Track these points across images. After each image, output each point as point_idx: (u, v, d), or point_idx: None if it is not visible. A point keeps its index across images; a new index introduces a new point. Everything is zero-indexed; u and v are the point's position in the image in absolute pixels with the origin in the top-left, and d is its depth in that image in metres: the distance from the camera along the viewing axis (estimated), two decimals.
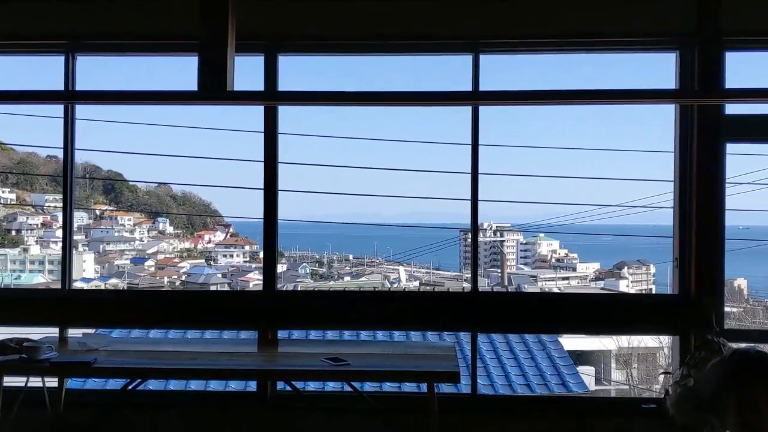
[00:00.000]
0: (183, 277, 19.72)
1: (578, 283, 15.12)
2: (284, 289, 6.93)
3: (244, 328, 4.21)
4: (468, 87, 3.95)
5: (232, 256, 21.70)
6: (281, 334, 3.99)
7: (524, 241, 16.52)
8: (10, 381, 3.48)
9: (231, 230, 22.63)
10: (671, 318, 3.82)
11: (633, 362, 11.90)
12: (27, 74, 5.94)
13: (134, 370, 3.40)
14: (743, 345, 2.86)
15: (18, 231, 16.86)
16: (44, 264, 18.97)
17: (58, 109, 4.02)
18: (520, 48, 4.08)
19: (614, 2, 3.88)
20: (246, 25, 3.79)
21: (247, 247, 22.34)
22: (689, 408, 3.45)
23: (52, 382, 3.75)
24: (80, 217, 20.36)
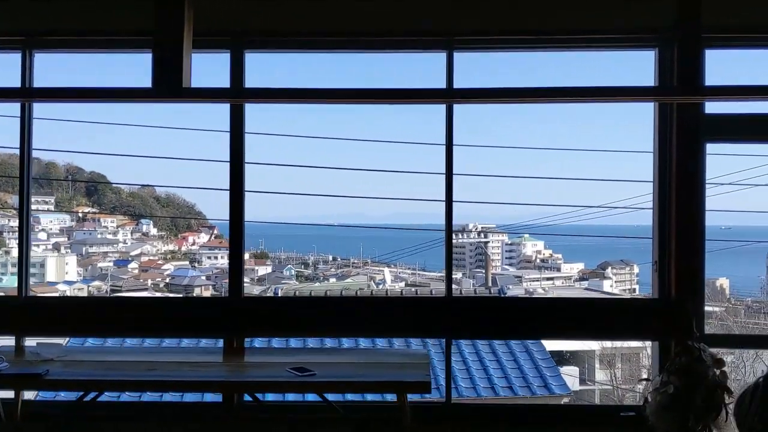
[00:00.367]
0: (167, 280, 19.51)
1: (563, 283, 15.11)
2: (251, 294, 6.77)
3: (209, 337, 4.05)
4: (442, 86, 3.83)
5: (216, 257, 21.49)
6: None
7: (509, 242, 16.47)
8: None
9: (215, 232, 22.41)
10: (650, 323, 3.72)
11: (617, 362, 11.90)
12: None
13: (89, 382, 3.22)
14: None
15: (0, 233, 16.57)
16: None
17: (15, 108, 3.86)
18: (495, 45, 3.97)
19: None
20: (211, 20, 3.66)
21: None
22: (670, 417, 3.37)
23: (8, 393, 3.59)
24: (62, 219, 20.08)
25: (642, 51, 3.98)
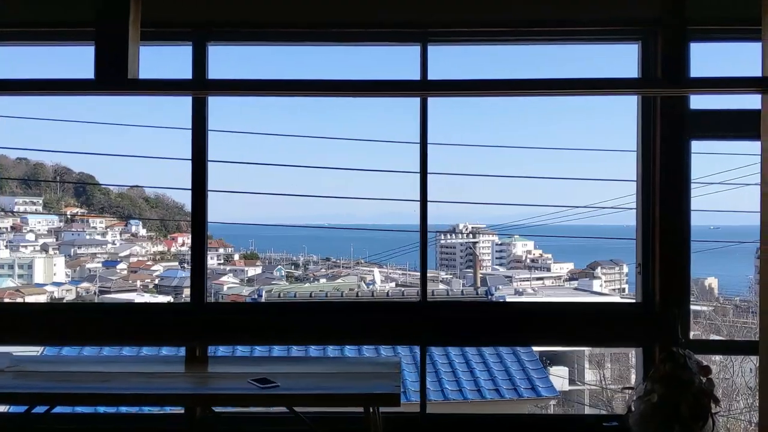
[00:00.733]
0: (156, 281, 19.30)
1: (552, 283, 15.06)
2: (216, 300, 6.58)
3: (170, 345, 3.85)
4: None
5: None
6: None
7: (499, 242, 16.40)
8: None
9: None
10: (633, 329, 3.55)
11: (606, 363, 11.85)
12: None
13: (37, 396, 3.02)
14: None
15: None
16: (14, 268, 18.41)
17: None
18: (472, 38, 3.78)
19: None
20: (172, 10, 3.47)
21: (221, 250, 22.01)
22: (654, 427, 3.22)
23: None
24: (51, 220, 19.85)
25: (625, 44, 3.82)
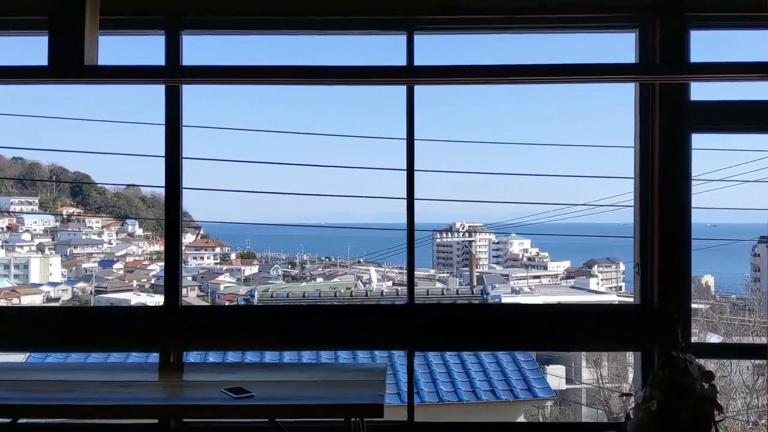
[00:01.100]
0: (152, 280, 19.14)
1: (549, 281, 14.95)
2: (192, 304, 6.42)
3: (143, 351, 3.66)
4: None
5: (202, 258, 21.19)
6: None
7: (496, 240, 16.29)
8: None
9: (201, 232, 22.07)
10: (631, 331, 3.37)
11: (603, 361, 11.75)
12: None
13: None
14: None
15: None
16: (10, 268, 18.26)
17: None
18: (461, 26, 3.58)
19: None
20: None
21: (217, 249, 21.87)
22: None
23: None
24: (47, 220, 19.71)
25: (621, 33, 3.63)
